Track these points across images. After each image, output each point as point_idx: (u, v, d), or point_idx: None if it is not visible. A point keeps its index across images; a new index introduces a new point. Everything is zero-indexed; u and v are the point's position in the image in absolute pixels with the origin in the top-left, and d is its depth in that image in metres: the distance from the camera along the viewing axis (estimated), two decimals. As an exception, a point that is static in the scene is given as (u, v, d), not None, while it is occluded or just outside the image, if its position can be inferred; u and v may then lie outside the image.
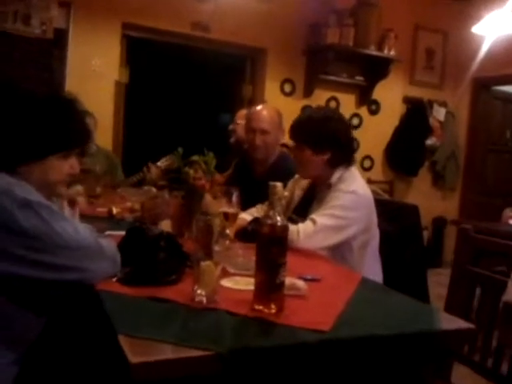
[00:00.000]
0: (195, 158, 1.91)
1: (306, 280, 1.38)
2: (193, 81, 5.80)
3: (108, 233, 1.92)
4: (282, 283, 1.15)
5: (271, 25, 4.73)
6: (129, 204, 2.62)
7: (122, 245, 1.36)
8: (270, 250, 1.14)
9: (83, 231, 1.23)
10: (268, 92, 4.96)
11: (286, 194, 2.05)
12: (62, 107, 1.30)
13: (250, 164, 2.76)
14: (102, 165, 3.37)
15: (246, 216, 2.12)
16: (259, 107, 2.77)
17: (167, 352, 0.91)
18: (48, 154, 1.27)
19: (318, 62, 4.97)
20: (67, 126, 1.29)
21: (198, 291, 1.17)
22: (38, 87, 1.33)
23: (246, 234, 1.92)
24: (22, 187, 1.16)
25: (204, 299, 1.16)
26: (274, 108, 2.78)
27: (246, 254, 1.53)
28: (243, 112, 3.48)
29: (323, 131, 2.02)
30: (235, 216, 1.88)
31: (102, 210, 2.42)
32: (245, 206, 2.19)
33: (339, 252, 1.97)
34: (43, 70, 4.05)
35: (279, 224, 1.15)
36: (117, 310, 1.11)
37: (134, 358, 0.86)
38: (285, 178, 2.36)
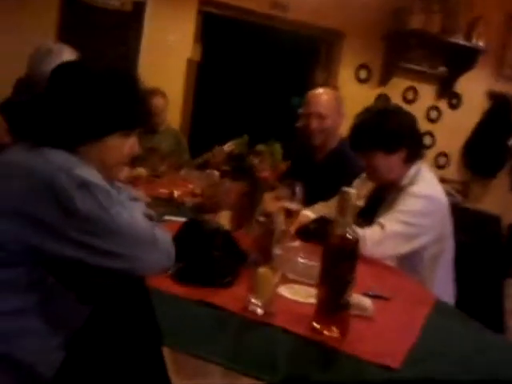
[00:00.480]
0: (261, 147, 1.80)
1: (371, 297, 1.25)
2: (265, 62, 5.66)
3: (167, 217, 1.87)
4: (348, 303, 1.02)
5: (351, 7, 4.49)
6: (190, 187, 2.58)
7: (178, 237, 1.28)
8: (338, 264, 1.01)
9: (139, 219, 1.18)
10: (341, 78, 4.74)
11: (360, 203, 1.88)
12: (124, 86, 1.25)
13: (309, 150, 2.61)
14: (168, 144, 3.35)
15: (309, 213, 1.99)
16: (318, 90, 2.62)
17: (215, 376, 0.82)
18: (107, 134, 1.23)
19: (398, 48, 4.68)
20: (128, 105, 1.24)
21: (253, 300, 1.07)
22: (109, 62, 1.30)
23: (308, 233, 1.80)
24: (82, 167, 1.12)
25: (259, 310, 1.06)
26: (334, 92, 2.63)
27: (307, 258, 1.42)
28: None
29: (390, 127, 1.84)
30: (297, 213, 1.76)
31: (163, 191, 2.38)
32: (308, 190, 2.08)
33: (408, 263, 1.80)
34: (119, 43, 4.07)
35: (350, 236, 1.02)
36: (165, 313, 1.03)
37: (178, 380, 0.77)
38: (345, 166, 2.23)
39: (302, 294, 1.23)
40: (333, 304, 1.01)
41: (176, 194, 2.27)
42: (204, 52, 4.43)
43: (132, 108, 1.25)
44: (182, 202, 2.20)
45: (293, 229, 1.78)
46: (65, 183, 1.06)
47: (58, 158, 1.12)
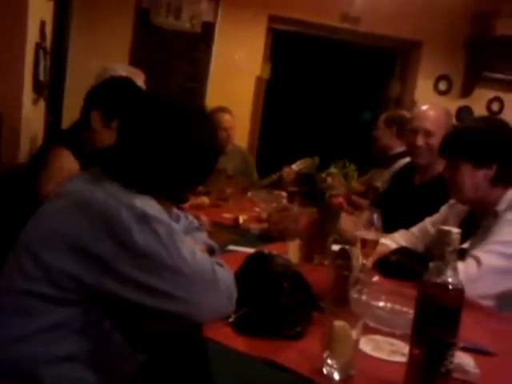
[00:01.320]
0: (333, 170, 1.62)
1: (471, 351, 1.02)
2: (336, 77, 5.47)
3: (231, 247, 1.74)
4: (449, 372, 0.81)
5: (428, 15, 4.20)
6: (257, 210, 2.44)
7: (240, 276, 1.13)
8: (437, 322, 0.80)
9: (200, 257, 1.06)
10: (419, 90, 4.45)
11: (466, 245, 1.62)
12: (207, 151, 1.16)
13: (412, 170, 2.36)
14: (235, 164, 3.24)
15: (389, 242, 1.77)
16: (425, 106, 2.37)
17: None
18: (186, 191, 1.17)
19: (481, 56, 4.32)
20: (210, 159, 1.18)
21: (329, 361, 0.88)
22: (187, 100, 1.25)
23: (389, 267, 1.58)
24: (143, 199, 1.03)
25: (336, 374, 0.87)
26: (443, 108, 2.35)
27: (390, 301, 1.21)
28: (386, 116, 3.07)
29: (487, 139, 1.59)
30: (375, 243, 1.55)
31: (228, 216, 2.26)
32: (399, 216, 1.88)
33: (508, 302, 1.53)
34: (189, 63, 4.09)
35: (453, 287, 0.81)
36: (222, 370, 0.87)
37: None
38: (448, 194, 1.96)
39: (385, 350, 1.03)
40: (430, 372, 0.81)
41: (241, 219, 2.13)
42: (273, 69, 4.33)
43: (212, 161, 1.19)
44: (248, 229, 2.06)
45: (370, 261, 1.57)
46: (124, 216, 0.97)
47: (118, 189, 1.03)
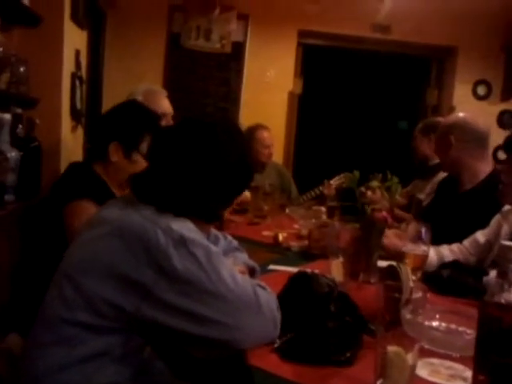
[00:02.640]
0: (375, 184, 1.55)
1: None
2: (371, 88, 5.40)
3: (271, 267, 1.69)
4: (519, 402, 0.74)
5: (463, 20, 4.10)
6: (296, 227, 2.39)
7: (283, 298, 1.08)
8: (500, 345, 0.73)
9: (242, 280, 1.02)
10: (457, 96, 4.32)
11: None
12: (239, 167, 1.13)
13: (456, 179, 2.26)
14: (272, 180, 3.21)
15: (435, 254, 1.69)
16: (460, 115, 2.29)
17: None
18: (221, 209, 1.15)
19: (522, 58, 4.16)
20: (241, 183, 1.17)
21: (383, 389, 0.82)
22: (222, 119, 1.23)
23: (441, 282, 1.50)
24: (180, 222, 1.00)
25: (391, 404, 0.81)
26: (467, 115, 2.24)
27: (446, 321, 1.13)
28: (422, 125, 2.98)
29: None
30: (424, 259, 1.47)
31: (267, 234, 2.22)
32: (445, 227, 1.79)
33: None
34: (221, 83, 4.12)
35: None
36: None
37: None
38: (494, 199, 1.85)
39: (443, 374, 0.95)
40: (497, 402, 0.73)
41: (281, 237, 2.08)
42: (305, 83, 4.30)
43: (245, 176, 1.17)
44: (288, 247, 2.01)
45: (418, 277, 1.49)
46: (161, 240, 0.95)
47: (154, 213, 1.01)
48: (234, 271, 1.03)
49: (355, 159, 3.71)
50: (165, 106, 2.28)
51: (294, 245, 2.00)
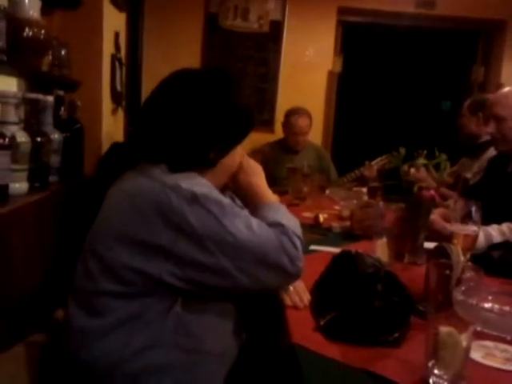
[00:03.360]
0: (422, 161, 1.49)
1: None
2: (413, 66, 5.21)
3: (313, 247, 1.66)
4: None
5: (512, -9, 3.88)
6: (336, 208, 2.35)
7: (327, 277, 1.06)
8: None
9: (257, 226, 1.01)
10: (505, 73, 4.11)
11: None
12: (227, 107, 1.11)
13: (506, 157, 2.16)
14: (311, 162, 3.15)
15: (483, 234, 1.61)
16: (504, 90, 2.17)
17: None
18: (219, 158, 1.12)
19: None
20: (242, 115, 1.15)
21: (436, 371, 0.78)
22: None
23: (491, 263, 1.43)
24: (190, 179, 1.02)
25: (444, 387, 0.77)
26: None
27: (498, 302, 1.08)
28: (470, 102, 2.85)
29: None
30: (474, 239, 1.40)
31: (307, 215, 2.18)
32: (494, 206, 1.69)
33: None
34: (259, 63, 4.06)
35: None
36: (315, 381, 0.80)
37: None
38: None
39: (498, 357, 0.91)
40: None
41: (322, 218, 2.04)
42: (345, 62, 4.19)
43: (243, 123, 1.15)
44: (329, 228, 1.97)
45: (467, 257, 1.43)
46: (174, 200, 0.96)
47: (162, 172, 1.03)
48: (250, 220, 1.02)
49: (396, 140, 3.60)
50: None
51: (336, 225, 1.96)
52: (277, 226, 1.03)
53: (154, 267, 0.96)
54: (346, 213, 2.09)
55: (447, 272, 0.93)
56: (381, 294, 0.95)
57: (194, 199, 0.96)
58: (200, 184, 1.01)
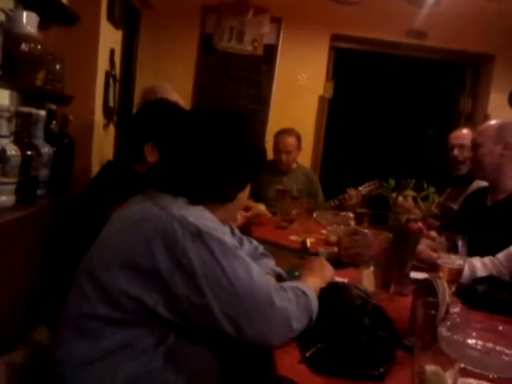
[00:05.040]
0: (411, 193, 1.51)
1: None
2: (403, 94, 5.32)
3: (298, 274, 1.66)
4: None
5: (501, 27, 4.00)
6: (323, 232, 2.36)
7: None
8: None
9: (257, 276, 1.01)
10: (492, 104, 4.22)
11: None
12: (244, 148, 1.15)
13: (485, 190, 2.19)
14: (300, 184, 3.18)
15: (467, 266, 1.63)
16: (488, 122, 2.23)
17: None
18: (236, 194, 1.15)
19: (561, 67, 4.04)
20: (256, 156, 1.19)
21: (419, 409, 0.79)
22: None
23: (475, 297, 1.45)
24: (196, 212, 1.02)
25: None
26: (505, 120, 2.12)
27: (482, 339, 1.09)
28: (457, 133, 2.90)
29: None
30: (459, 273, 1.42)
31: (294, 238, 2.19)
32: (475, 238, 1.72)
33: None
34: (252, 85, 4.11)
35: None
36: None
37: None
38: None
39: (481, 396, 0.91)
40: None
41: (309, 242, 2.05)
42: (336, 88, 4.26)
43: (258, 160, 1.19)
44: (316, 253, 1.98)
45: (452, 291, 1.44)
46: (178, 233, 0.96)
47: (170, 201, 1.03)
48: (250, 267, 1.02)
49: (383, 166, 3.65)
50: (171, 97, 2.21)
51: (323, 251, 1.97)
52: (297, 289, 1.06)
53: (150, 297, 0.96)
54: (333, 238, 2.10)
55: (432, 311, 0.94)
56: (368, 328, 0.96)
57: (198, 235, 0.97)
58: (207, 219, 1.02)
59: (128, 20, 3.38)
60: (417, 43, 4.09)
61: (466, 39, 4.02)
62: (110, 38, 2.64)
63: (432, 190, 1.50)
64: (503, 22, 3.97)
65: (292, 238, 2.22)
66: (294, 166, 3.46)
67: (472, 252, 1.74)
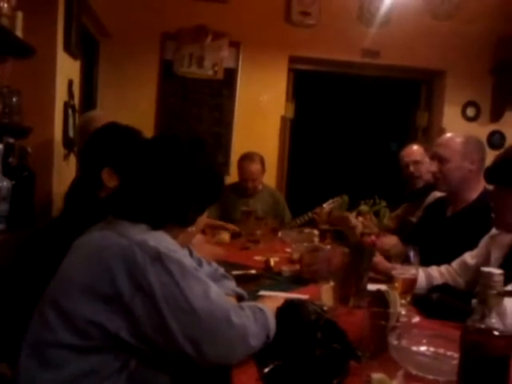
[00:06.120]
0: (364, 208, 1.57)
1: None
2: (361, 112, 5.47)
3: (262, 292, 1.69)
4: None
5: (451, 44, 4.19)
6: (288, 251, 2.39)
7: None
8: (482, 372, 0.74)
9: (215, 295, 1.03)
10: (446, 118, 4.39)
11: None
12: (202, 172, 1.18)
13: (444, 201, 2.27)
14: (265, 204, 3.22)
15: (424, 275, 1.70)
16: (447, 134, 2.30)
17: None
18: (196, 218, 1.19)
19: (509, 80, 4.24)
20: (214, 182, 1.23)
21: (369, 417, 0.82)
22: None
23: (430, 305, 1.50)
24: (156, 236, 1.05)
25: (377, 432, 0.81)
26: (466, 135, 2.22)
27: (432, 345, 1.13)
28: (409, 150, 2.99)
29: None
30: (413, 283, 1.48)
31: (259, 258, 2.22)
32: (432, 249, 1.80)
33: None
34: (214, 109, 4.16)
35: (499, 333, 0.75)
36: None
37: None
38: (482, 222, 1.84)
39: (431, 400, 0.95)
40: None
41: (272, 261, 2.08)
42: (297, 108, 4.36)
43: (218, 184, 1.24)
44: (279, 272, 2.01)
45: (408, 301, 1.49)
46: (138, 257, 0.98)
47: (130, 228, 1.06)
48: (209, 287, 1.04)
49: (348, 182, 3.73)
50: None
51: (286, 269, 2.00)
52: (255, 307, 1.09)
53: (113, 323, 0.97)
54: (296, 255, 2.14)
55: (382, 322, 0.98)
56: (321, 342, 0.99)
57: (158, 257, 0.99)
58: (168, 242, 1.04)
59: (86, 49, 3.40)
60: (371, 62, 4.23)
61: (418, 56, 4.18)
62: (67, 68, 2.66)
63: (383, 204, 1.56)
64: (452, 39, 4.17)
65: (257, 258, 2.25)
66: (260, 187, 3.50)
67: (433, 261, 1.82)
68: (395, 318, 1.07)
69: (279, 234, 2.81)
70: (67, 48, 2.61)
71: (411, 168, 2.87)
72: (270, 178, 4.03)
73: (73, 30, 2.68)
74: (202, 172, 1.16)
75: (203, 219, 1.24)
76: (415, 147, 2.98)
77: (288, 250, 2.43)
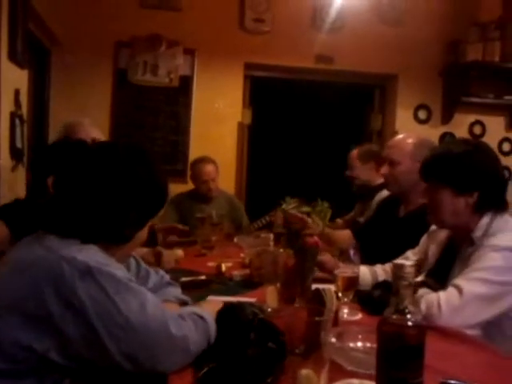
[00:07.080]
0: (306, 209, 1.60)
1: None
2: (317, 116, 5.55)
3: (211, 297, 1.69)
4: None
5: (401, 48, 4.32)
6: (242, 255, 2.41)
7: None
8: (397, 361, 0.77)
9: (152, 307, 1.00)
10: (399, 121, 4.51)
11: (420, 279, 1.58)
12: (140, 186, 1.11)
13: (397, 201, 2.31)
14: (222, 210, 3.22)
15: (370, 273, 1.74)
16: (398, 136, 2.35)
17: None
18: (134, 234, 1.13)
19: (457, 83, 4.40)
20: (156, 195, 1.16)
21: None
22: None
23: (372, 303, 1.54)
24: (86, 250, 1.00)
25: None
26: (417, 136, 2.26)
27: (368, 340, 1.17)
28: (359, 154, 3.08)
29: (469, 165, 1.56)
30: (355, 280, 1.52)
31: (211, 264, 2.22)
32: (382, 248, 1.88)
33: (496, 330, 1.47)
34: (170, 116, 4.15)
35: (412, 323, 0.78)
36: None
37: None
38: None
39: (362, 394, 0.98)
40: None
41: (224, 267, 2.09)
42: (254, 114, 4.39)
43: (158, 196, 1.16)
44: (231, 277, 2.02)
45: (349, 298, 1.53)
46: (66, 272, 0.94)
47: (59, 243, 1.00)
48: (145, 299, 1.00)
49: (306, 186, 3.78)
50: (90, 133, 2.16)
51: (237, 274, 2.01)
52: (194, 315, 1.06)
53: (41, 343, 0.93)
54: (247, 260, 2.15)
55: (316, 318, 1.00)
56: (255, 341, 1.01)
57: (88, 272, 0.94)
58: (97, 256, 0.99)
59: (36, 58, 3.34)
60: (325, 68, 4.31)
61: (370, 61, 4.29)
62: (13, 77, 2.60)
63: (326, 205, 1.60)
64: (402, 44, 4.29)
65: (210, 264, 2.25)
66: (215, 193, 3.50)
67: (385, 260, 1.86)
68: (330, 315, 1.09)
69: (235, 239, 2.82)
70: (12, 56, 2.56)
71: (347, 172, 3.03)
72: (228, 184, 4.05)
73: (18, 38, 2.62)
74: (140, 183, 1.09)
75: (143, 234, 1.17)
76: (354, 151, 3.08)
77: (242, 255, 2.44)
